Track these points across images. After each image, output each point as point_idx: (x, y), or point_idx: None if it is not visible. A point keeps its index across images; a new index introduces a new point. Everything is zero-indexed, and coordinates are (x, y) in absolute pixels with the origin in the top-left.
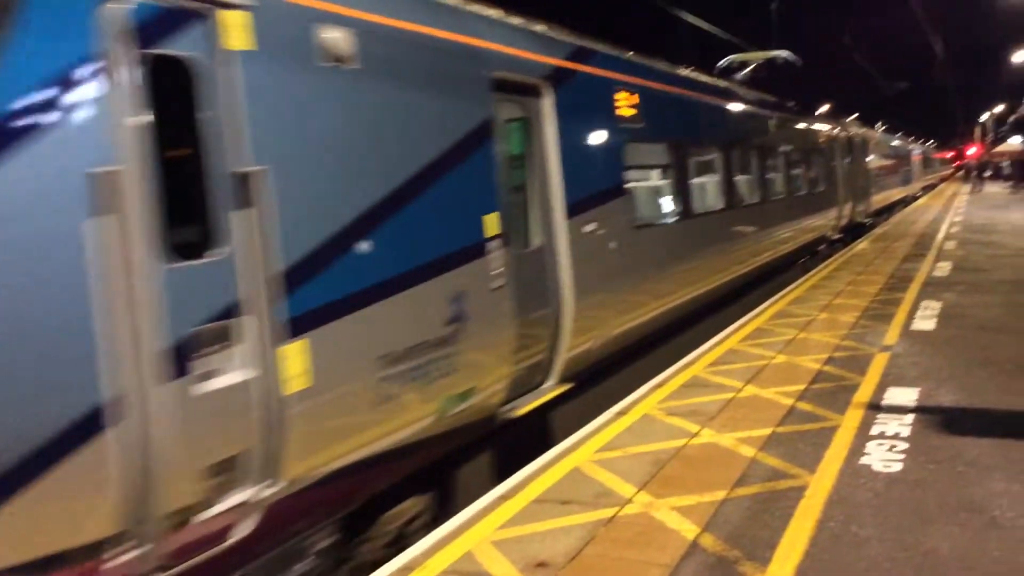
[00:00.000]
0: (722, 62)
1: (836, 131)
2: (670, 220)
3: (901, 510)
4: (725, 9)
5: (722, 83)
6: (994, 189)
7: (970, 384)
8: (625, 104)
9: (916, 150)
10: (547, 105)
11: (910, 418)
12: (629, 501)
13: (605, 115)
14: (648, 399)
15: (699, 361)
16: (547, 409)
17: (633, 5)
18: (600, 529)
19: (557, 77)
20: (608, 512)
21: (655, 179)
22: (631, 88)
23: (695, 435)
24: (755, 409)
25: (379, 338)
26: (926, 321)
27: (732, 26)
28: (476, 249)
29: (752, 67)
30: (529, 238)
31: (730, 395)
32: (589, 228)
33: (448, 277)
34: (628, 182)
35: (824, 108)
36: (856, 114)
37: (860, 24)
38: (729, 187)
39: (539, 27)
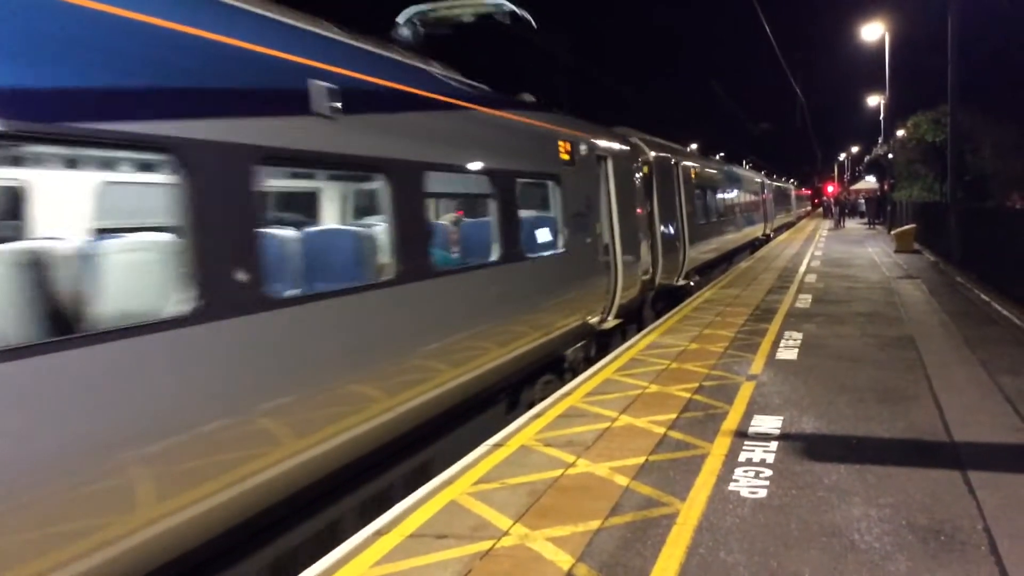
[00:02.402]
0: (402, 15)
1: (615, 151)
2: None
3: (766, 535)
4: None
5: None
6: (851, 225)
7: (829, 411)
8: None
9: (768, 184)
10: None
11: (775, 445)
12: (506, 533)
13: None
14: (525, 430)
15: (576, 391)
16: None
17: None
18: (477, 562)
19: None
20: (485, 545)
21: None
22: None
23: (571, 465)
24: (629, 438)
25: None
26: (789, 351)
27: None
28: None
29: (449, 25)
30: None
31: (606, 424)
32: None
33: None
34: None
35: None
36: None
37: (729, 67)
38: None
39: None
